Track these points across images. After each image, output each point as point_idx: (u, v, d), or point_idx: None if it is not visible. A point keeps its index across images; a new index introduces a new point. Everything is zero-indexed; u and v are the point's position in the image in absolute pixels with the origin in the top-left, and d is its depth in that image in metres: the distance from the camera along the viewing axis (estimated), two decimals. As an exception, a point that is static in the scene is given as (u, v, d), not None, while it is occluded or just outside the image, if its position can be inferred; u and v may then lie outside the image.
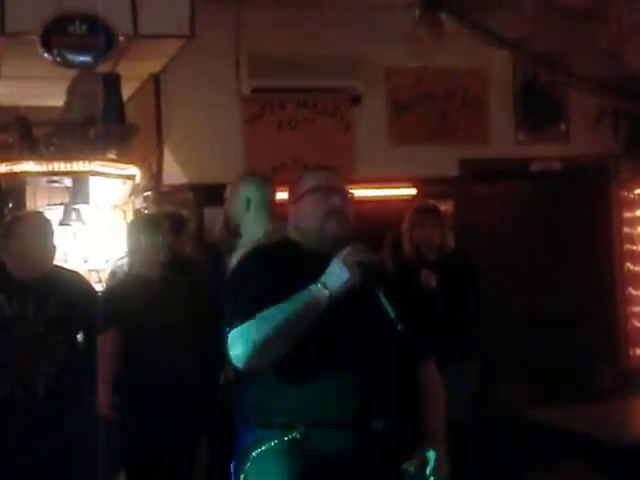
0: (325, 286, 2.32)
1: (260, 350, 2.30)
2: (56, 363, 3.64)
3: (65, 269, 4.03)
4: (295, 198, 2.57)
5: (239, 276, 2.55)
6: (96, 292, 4.12)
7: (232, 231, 3.93)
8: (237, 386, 2.51)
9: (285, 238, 2.61)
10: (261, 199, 3.92)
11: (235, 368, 2.46)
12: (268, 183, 4.03)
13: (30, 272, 3.70)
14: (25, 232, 3.74)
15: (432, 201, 5.53)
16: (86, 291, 3.91)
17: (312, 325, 2.32)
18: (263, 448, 2.37)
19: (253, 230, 3.78)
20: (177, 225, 4.71)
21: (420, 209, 4.94)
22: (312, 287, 2.33)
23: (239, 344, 2.33)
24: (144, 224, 4.57)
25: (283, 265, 2.41)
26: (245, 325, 2.32)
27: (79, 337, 3.82)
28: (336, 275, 2.34)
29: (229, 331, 2.37)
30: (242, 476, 2.44)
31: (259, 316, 2.31)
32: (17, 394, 3.58)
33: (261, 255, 2.63)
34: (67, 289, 3.74)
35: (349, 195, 2.57)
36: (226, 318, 2.41)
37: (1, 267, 3.77)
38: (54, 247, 3.79)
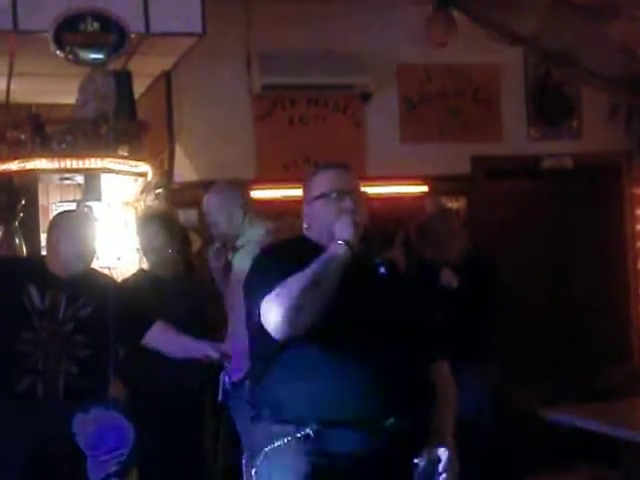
0: (336, 242, 2.40)
1: (293, 312, 2.32)
2: (78, 363, 3.65)
3: (100, 272, 4.05)
4: (308, 200, 2.61)
5: (263, 263, 2.58)
6: (129, 298, 4.07)
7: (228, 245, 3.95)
8: (252, 382, 2.53)
9: (301, 236, 2.64)
10: (246, 203, 3.96)
11: (252, 363, 2.49)
12: (242, 186, 4.11)
13: (66, 269, 3.71)
14: (68, 229, 3.76)
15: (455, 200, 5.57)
16: (117, 296, 3.89)
17: (330, 323, 2.33)
18: (276, 444, 2.39)
19: (251, 232, 3.79)
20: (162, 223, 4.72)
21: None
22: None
23: (271, 311, 2.35)
24: (149, 222, 4.60)
25: (300, 261, 2.42)
26: (274, 292, 2.35)
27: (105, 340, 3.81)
28: (340, 228, 2.42)
29: (259, 304, 2.39)
30: (253, 471, 2.46)
31: (285, 282, 2.35)
32: (37, 389, 3.60)
33: (280, 248, 2.70)
34: (99, 292, 3.74)
35: (361, 194, 2.58)
36: (254, 300, 2.44)
37: (40, 261, 3.80)
38: (94, 249, 3.79)
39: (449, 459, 2.41)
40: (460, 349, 4.14)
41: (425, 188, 6.14)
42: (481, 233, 5.90)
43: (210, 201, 3.99)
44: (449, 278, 4.55)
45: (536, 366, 5.97)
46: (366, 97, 6.08)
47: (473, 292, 4.54)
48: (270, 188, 5.70)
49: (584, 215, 6.62)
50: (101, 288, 3.78)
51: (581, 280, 6.61)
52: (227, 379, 3.61)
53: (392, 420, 2.38)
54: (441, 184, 6.11)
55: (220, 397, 3.68)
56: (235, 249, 3.81)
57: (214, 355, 3.60)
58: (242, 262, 3.62)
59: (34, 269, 3.74)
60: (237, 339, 3.51)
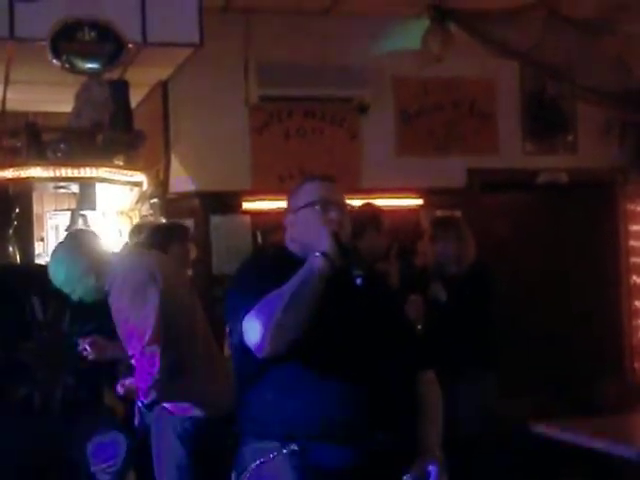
0: (314, 254, 2.36)
1: (274, 330, 2.28)
2: (76, 375, 3.66)
3: None
4: (292, 210, 2.58)
5: (242, 281, 2.54)
6: None
7: None
8: (238, 397, 2.51)
9: (284, 249, 2.61)
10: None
11: (237, 379, 2.46)
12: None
13: None
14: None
15: (450, 213, 5.59)
16: None
17: (314, 337, 2.32)
18: (262, 460, 2.37)
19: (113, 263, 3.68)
20: (181, 235, 4.73)
21: (434, 223, 4.98)
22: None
23: (252, 330, 2.31)
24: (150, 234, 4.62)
25: (281, 275, 2.38)
26: (254, 311, 2.31)
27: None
28: (318, 240, 2.38)
29: (240, 323, 2.35)
30: None
31: (265, 299, 2.31)
32: (34, 398, 3.61)
33: (261, 263, 2.65)
34: (102, 306, 3.74)
35: (347, 206, 2.56)
36: (235, 319, 2.39)
37: (44, 272, 3.77)
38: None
39: (437, 475, 2.40)
40: (456, 361, 4.17)
41: (420, 201, 6.14)
42: (476, 246, 5.89)
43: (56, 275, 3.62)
44: (437, 291, 4.56)
45: (529, 379, 5.96)
46: (363, 109, 6.08)
47: (469, 303, 4.54)
48: (265, 200, 5.71)
49: (579, 230, 6.63)
50: (104, 303, 3.78)
51: (575, 295, 6.60)
52: (140, 403, 3.60)
53: (378, 435, 2.37)
54: (436, 197, 6.12)
55: (136, 421, 3.67)
56: (107, 292, 3.65)
57: (119, 390, 3.60)
58: (117, 296, 3.53)
59: (37, 281, 3.73)
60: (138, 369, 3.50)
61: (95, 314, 3.70)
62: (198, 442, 3.56)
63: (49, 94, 5.90)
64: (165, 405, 3.56)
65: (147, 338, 3.36)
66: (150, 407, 3.54)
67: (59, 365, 3.65)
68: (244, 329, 2.34)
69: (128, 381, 3.53)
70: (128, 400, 3.63)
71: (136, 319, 3.38)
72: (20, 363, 3.60)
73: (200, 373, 3.55)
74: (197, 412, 3.55)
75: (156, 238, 4.61)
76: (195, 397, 3.56)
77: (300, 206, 2.54)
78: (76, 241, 3.73)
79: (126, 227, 5.79)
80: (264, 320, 2.28)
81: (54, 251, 3.68)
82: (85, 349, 3.55)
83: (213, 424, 3.50)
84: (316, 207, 2.50)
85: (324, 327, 2.34)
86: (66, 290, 3.56)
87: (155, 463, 3.65)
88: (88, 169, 5.11)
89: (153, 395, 3.44)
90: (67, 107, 5.39)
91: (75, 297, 3.55)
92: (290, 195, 2.62)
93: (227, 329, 2.54)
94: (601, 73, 5.58)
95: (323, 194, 2.53)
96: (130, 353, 3.42)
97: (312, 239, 2.43)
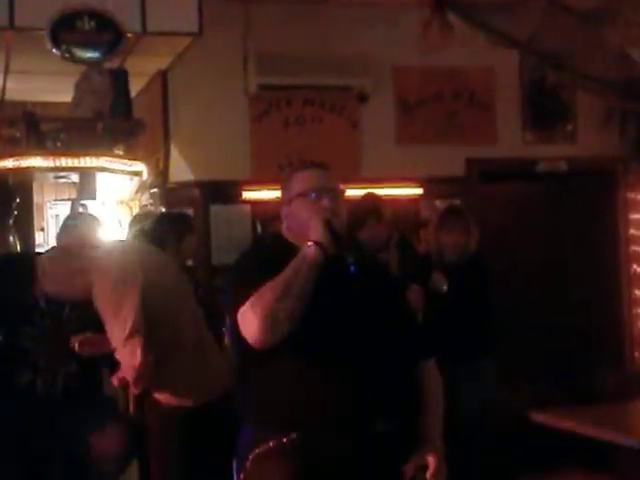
0: (307, 244, 2.37)
1: (269, 321, 2.28)
2: (78, 362, 3.68)
3: None
4: (286, 200, 2.57)
5: (238, 272, 2.56)
6: None
7: None
8: (238, 386, 2.52)
9: (279, 238, 2.62)
10: None
11: (237, 369, 2.47)
12: None
13: None
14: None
15: (450, 202, 5.62)
16: None
17: (311, 326, 2.32)
18: (262, 448, 2.38)
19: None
20: (185, 226, 4.74)
21: (443, 213, 5.01)
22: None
23: (248, 322, 2.31)
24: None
25: (276, 265, 2.38)
26: (248, 303, 2.31)
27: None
28: (311, 229, 2.40)
29: (233, 315, 2.36)
30: (242, 475, 2.46)
31: (259, 291, 2.31)
32: (37, 386, 3.62)
33: (256, 254, 2.68)
34: None
35: (341, 193, 2.56)
36: (231, 311, 2.40)
37: None
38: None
39: (437, 466, 2.41)
40: (457, 351, 4.20)
41: (420, 190, 6.14)
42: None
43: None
44: (438, 281, 4.58)
45: (528, 369, 5.98)
46: (363, 98, 6.07)
47: (465, 295, 4.56)
48: (265, 189, 5.70)
49: (578, 219, 6.64)
50: None
51: (575, 283, 6.62)
52: (131, 393, 3.66)
53: (378, 424, 2.37)
54: (436, 186, 6.12)
55: (131, 409, 3.71)
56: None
57: (114, 382, 3.67)
58: (100, 292, 3.55)
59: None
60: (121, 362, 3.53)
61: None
62: (190, 430, 3.58)
63: (48, 83, 5.89)
64: (155, 395, 3.59)
65: (127, 332, 3.39)
66: (141, 397, 3.57)
67: (59, 354, 3.66)
68: (240, 321, 2.34)
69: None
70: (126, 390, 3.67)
71: (116, 315, 3.42)
72: (22, 349, 3.61)
73: (188, 363, 3.58)
74: (185, 401, 3.57)
75: (166, 228, 4.58)
76: (182, 386, 3.58)
77: (293, 196, 2.54)
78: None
79: (126, 217, 5.80)
80: (258, 312, 2.29)
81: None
82: (74, 347, 3.59)
83: (204, 412, 3.53)
84: (311, 195, 2.50)
85: (319, 316, 2.34)
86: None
87: (151, 453, 3.68)
88: (88, 159, 5.11)
89: (141, 386, 3.48)
90: (66, 97, 5.38)
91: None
92: (283, 186, 2.62)
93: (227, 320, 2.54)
94: (602, 62, 5.57)
95: (315, 182, 2.53)
96: (113, 347, 3.46)
97: (306, 228, 2.43)
